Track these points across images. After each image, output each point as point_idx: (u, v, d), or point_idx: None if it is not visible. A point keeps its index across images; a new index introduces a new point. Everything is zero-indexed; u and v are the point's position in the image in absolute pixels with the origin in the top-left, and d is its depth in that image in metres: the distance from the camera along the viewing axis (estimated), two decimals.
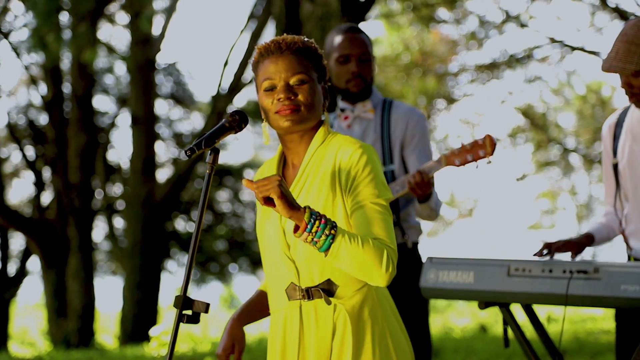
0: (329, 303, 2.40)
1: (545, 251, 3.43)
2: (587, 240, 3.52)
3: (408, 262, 3.81)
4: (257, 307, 2.69)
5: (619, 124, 3.50)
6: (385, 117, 3.85)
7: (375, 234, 2.32)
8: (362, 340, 2.39)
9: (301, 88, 2.43)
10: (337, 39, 3.83)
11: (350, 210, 2.37)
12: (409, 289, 3.77)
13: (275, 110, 2.44)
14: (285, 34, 2.50)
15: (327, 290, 2.41)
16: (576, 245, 3.47)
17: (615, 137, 3.49)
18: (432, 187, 3.61)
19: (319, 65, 2.48)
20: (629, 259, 3.46)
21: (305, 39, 2.49)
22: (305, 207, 2.26)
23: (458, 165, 3.53)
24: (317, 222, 2.25)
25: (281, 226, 2.46)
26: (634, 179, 3.41)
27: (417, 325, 3.88)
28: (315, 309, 2.42)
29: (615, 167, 3.49)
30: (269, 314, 2.62)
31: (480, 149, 3.48)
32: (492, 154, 3.47)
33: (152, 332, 5.16)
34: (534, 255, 3.41)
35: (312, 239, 2.26)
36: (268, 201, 2.26)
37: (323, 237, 2.26)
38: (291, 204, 2.24)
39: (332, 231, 2.26)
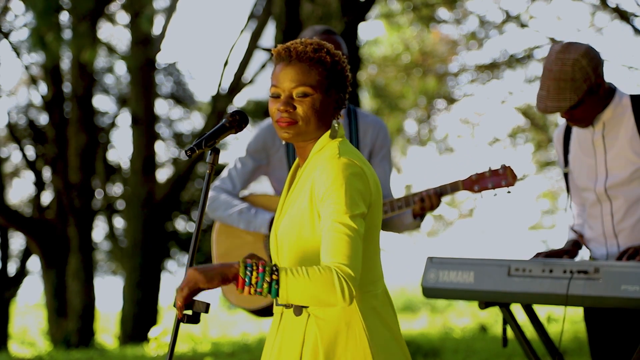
0: (297, 314, 2.38)
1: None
2: (576, 246, 3.55)
3: None
4: None
5: (566, 134, 3.54)
6: (353, 123, 3.88)
7: (331, 257, 2.26)
8: (333, 354, 2.35)
9: (303, 101, 2.39)
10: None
11: (321, 230, 2.32)
12: None
13: (276, 119, 2.42)
14: (301, 39, 2.45)
15: None
16: (567, 253, 3.49)
17: (565, 147, 3.53)
18: None
19: (332, 73, 2.42)
20: (590, 259, 3.50)
21: (319, 45, 2.42)
22: (238, 263, 2.24)
23: (476, 192, 3.60)
24: (254, 273, 2.23)
25: (274, 231, 2.45)
26: (586, 189, 3.45)
27: None
28: (292, 319, 2.41)
29: (566, 176, 3.54)
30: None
31: (502, 178, 3.58)
32: (513, 185, 3.54)
33: (151, 333, 5.17)
34: None
35: (255, 290, 2.23)
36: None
37: (265, 285, 2.23)
38: (210, 279, 2.24)
39: (274, 276, 2.22)
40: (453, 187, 3.62)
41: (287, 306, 2.41)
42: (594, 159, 3.42)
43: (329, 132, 2.44)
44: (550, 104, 3.26)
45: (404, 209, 3.68)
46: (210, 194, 3.97)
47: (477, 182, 3.59)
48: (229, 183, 3.94)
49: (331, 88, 2.42)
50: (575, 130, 3.50)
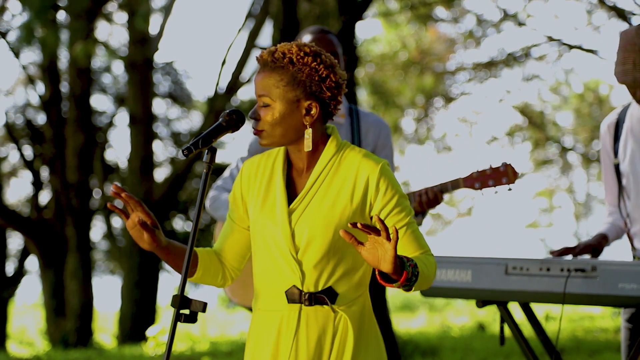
0: (335, 311, 2.43)
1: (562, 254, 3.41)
2: (604, 240, 3.52)
3: None
4: (177, 253, 2.50)
5: (618, 124, 3.50)
6: (355, 124, 3.89)
7: (423, 249, 2.46)
8: (360, 347, 2.44)
9: (264, 110, 2.43)
10: (304, 40, 3.87)
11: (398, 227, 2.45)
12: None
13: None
14: (278, 44, 2.46)
15: (329, 298, 2.43)
16: (594, 247, 3.46)
17: (616, 138, 3.49)
18: None
19: (296, 80, 2.41)
20: (634, 259, 3.45)
21: (283, 53, 2.42)
22: (402, 260, 2.30)
23: (477, 189, 3.60)
24: (413, 275, 2.32)
25: (289, 227, 2.45)
26: (636, 180, 3.41)
27: (381, 323, 3.91)
28: (316, 314, 2.43)
29: (617, 167, 3.49)
30: (178, 264, 2.49)
31: (503, 176, 3.57)
32: (514, 183, 3.54)
33: (149, 332, 5.16)
34: (550, 252, 3.42)
35: (409, 287, 2.33)
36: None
37: (414, 278, 2.33)
38: (397, 264, 2.29)
39: (418, 273, 2.33)
40: (454, 185, 3.62)
41: (310, 303, 2.42)
42: None
43: (334, 135, 2.49)
44: (639, 75, 3.28)
45: None
46: (212, 193, 4.03)
47: (478, 180, 3.59)
48: (230, 182, 3.96)
49: (297, 92, 2.42)
50: (629, 118, 3.45)
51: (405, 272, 2.28)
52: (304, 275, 2.43)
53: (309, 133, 2.45)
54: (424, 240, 2.46)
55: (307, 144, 2.45)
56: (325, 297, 2.42)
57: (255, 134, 2.46)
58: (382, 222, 2.22)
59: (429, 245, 2.47)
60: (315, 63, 2.41)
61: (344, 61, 3.96)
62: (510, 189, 3.58)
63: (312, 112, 2.43)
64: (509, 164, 3.57)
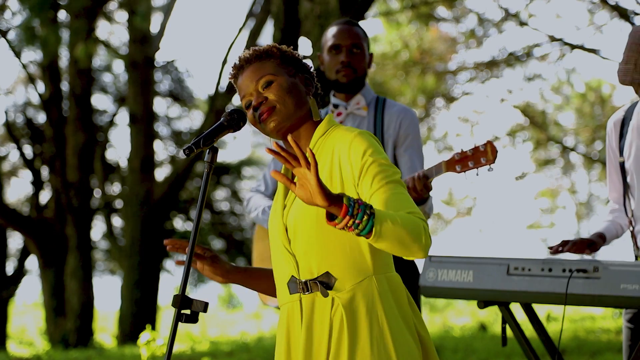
0: (325, 295, 2.38)
1: (560, 248, 3.41)
2: (601, 239, 3.50)
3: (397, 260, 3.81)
4: (254, 275, 2.60)
5: (625, 122, 3.49)
6: (379, 115, 3.85)
7: (409, 209, 2.28)
8: (358, 338, 2.36)
9: (269, 89, 2.44)
10: (331, 30, 3.87)
11: (368, 197, 2.33)
12: None
13: (258, 119, 2.45)
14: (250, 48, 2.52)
15: (326, 283, 2.39)
16: (590, 242, 3.45)
17: (622, 135, 3.48)
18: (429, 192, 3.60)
19: (288, 60, 2.49)
20: (636, 259, 3.44)
21: (259, 47, 2.51)
22: (340, 194, 2.20)
23: (459, 172, 3.50)
24: (355, 205, 2.19)
25: (282, 222, 2.45)
26: None
27: None
28: (314, 303, 2.41)
29: (622, 165, 3.48)
30: (259, 287, 2.60)
31: (482, 155, 3.45)
32: (493, 162, 3.45)
33: (142, 339, 5.12)
34: (549, 247, 3.41)
35: (354, 221, 2.18)
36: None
37: (365, 217, 2.18)
38: (329, 194, 2.18)
39: (371, 210, 2.19)
40: (437, 170, 3.54)
41: (307, 290, 2.40)
42: None
43: (326, 120, 2.48)
44: (638, 77, 3.35)
45: None
46: (247, 195, 4.05)
47: (459, 162, 3.48)
48: (262, 184, 3.98)
49: (291, 70, 2.49)
50: (636, 116, 3.45)
51: (345, 206, 2.17)
52: (298, 265, 2.42)
53: (313, 102, 2.49)
54: (410, 203, 2.30)
55: (315, 111, 2.48)
56: (322, 282, 2.38)
57: (265, 117, 2.43)
58: (311, 152, 2.15)
59: (415, 207, 2.29)
60: (292, 50, 2.52)
61: (370, 57, 3.93)
62: (490, 169, 3.46)
63: (310, 82, 2.50)
64: (489, 142, 3.45)
